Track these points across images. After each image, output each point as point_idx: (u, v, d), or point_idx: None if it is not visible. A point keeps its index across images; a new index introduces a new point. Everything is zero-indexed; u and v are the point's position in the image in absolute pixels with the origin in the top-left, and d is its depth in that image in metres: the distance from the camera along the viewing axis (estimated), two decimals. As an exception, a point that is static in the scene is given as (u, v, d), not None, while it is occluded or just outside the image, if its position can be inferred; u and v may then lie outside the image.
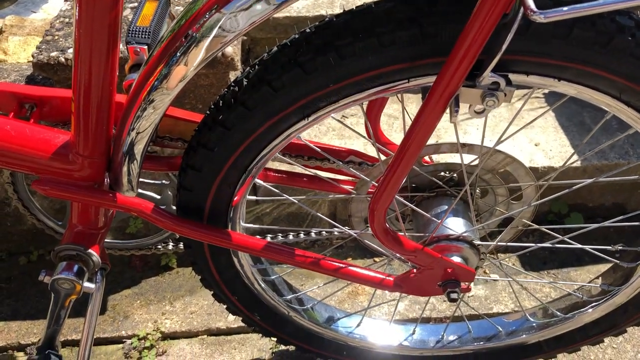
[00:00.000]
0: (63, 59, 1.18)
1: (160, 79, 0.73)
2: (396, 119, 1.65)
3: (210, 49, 0.70)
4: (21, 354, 1.34)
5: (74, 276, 0.91)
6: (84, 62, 0.72)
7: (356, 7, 0.69)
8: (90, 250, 0.92)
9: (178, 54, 0.71)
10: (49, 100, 0.92)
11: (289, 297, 1.10)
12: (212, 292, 1.06)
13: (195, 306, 1.42)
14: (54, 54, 1.19)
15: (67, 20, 1.29)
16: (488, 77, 0.65)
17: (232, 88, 0.76)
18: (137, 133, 0.79)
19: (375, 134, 0.99)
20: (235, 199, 0.88)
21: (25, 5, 1.97)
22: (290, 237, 1.13)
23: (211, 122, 0.78)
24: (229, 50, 1.21)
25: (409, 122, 0.73)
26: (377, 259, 1.53)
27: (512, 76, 0.68)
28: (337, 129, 1.59)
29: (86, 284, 0.93)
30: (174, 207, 0.98)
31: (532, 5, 0.54)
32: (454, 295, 0.91)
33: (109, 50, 0.72)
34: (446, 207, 0.95)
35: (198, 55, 0.70)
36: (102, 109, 0.77)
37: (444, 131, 1.57)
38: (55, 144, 0.83)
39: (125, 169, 0.83)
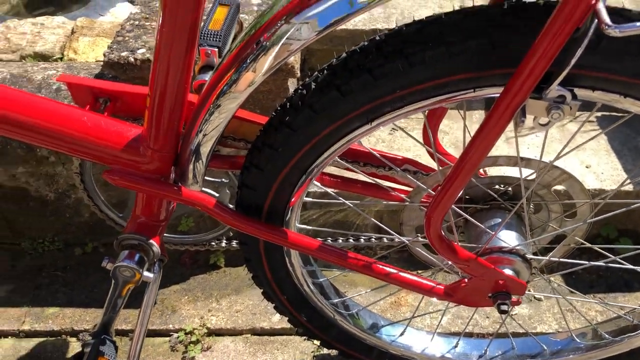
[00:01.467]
0: (132, 59, 1.24)
1: (229, 84, 0.77)
2: (446, 133, 1.66)
3: (278, 56, 0.73)
4: (74, 339, 1.39)
5: (135, 264, 0.95)
6: (163, 61, 0.76)
7: (426, 17, 0.72)
8: (151, 241, 0.96)
9: (248, 60, 0.74)
10: (121, 96, 0.97)
11: (335, 300, 1.12)
12: (262, 290, 1.09)
13: (241, 305, 1.45)
14: (124, 53, 1.25)
15: (137, 22, 1.36)
16: (555, 90, 0.67)
17: (299, 91, 0.80)
18: (205, 134, 0.82)
19: (434, 143, 1.00)
20: (292, 199, 0.90)
21: (94, 8, 2.08)
22: (340, 241, 1.15)
23: (277, 123, 0.82)
24: (290, 58, 1.24)
25: (466, 134, 0.74)
26: (420, 271, 1.53)
27: (577, 90, 0.69)
28: (387, 140, 1.61)
29: (145, 273, 0.97)
30: (231, 206, 1.02)
31: (608, 20, 0.55)
32: (504, 307, 0.91)
33: (186, 51, 0.76)
34: (499, 219, 0.95)
35: (266, 62, 0.74)
36: (175, 106, 0.81)
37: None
38: (128, 137, 0.87)
39: (191, 165, 0.86)
